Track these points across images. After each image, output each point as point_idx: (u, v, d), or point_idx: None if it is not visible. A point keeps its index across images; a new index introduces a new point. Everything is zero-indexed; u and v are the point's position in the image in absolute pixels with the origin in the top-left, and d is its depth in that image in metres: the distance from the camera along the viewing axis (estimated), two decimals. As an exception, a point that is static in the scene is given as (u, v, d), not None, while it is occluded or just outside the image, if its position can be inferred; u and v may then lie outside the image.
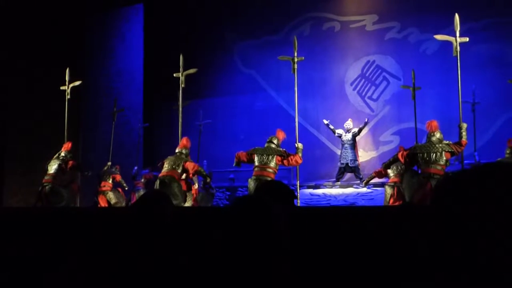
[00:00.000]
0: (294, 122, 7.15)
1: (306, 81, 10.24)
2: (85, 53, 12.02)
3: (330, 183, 9.81)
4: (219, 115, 11.71)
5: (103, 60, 12.31)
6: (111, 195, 8.46)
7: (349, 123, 9.75)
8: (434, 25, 9.59)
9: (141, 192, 9.05)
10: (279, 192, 2.31)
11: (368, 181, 7.85)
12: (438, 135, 6.12)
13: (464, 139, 6.05)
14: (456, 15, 6.48)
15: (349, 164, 9.48)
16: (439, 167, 5.84)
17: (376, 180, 7.85)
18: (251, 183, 6.50)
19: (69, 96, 8.67)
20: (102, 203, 8.38)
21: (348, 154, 9.52)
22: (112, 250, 2.05)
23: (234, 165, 7.00)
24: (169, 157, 7.11)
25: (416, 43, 10.73)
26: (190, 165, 6.96)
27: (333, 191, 9.45)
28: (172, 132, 10.27)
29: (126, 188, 9.15)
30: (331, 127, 9.79)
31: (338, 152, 10.01)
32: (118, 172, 9.01)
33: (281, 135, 7.00)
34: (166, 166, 6.93)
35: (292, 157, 6.67)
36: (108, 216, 3.45)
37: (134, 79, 12.28)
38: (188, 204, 7.09)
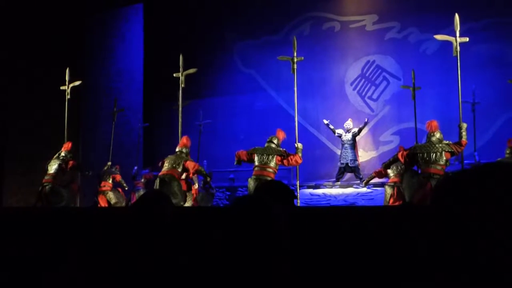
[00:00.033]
0: (294, 122, 7.15)
1: (306, 81, 10.25)
2: (85, 53, 12.02)
3: (330, 183, 9.81)
4: (219, 115, 11.71)
5: (103, 60, 12.30)
6: (111, 195, 8.47)
7: (349, 123, 9.75)
8: (434, 25, 9.59)
9: (141, 192, 9.05)
10: (279, 192, 2.31)
11: (368, 181, 7.85)
12: (438, 135, 6.12)
13: (464, 139, 6.05)
14: (456, 15, 6.48)
15: (349, 164, 9.48)
16: (439, 167, 5.84)
17: (376, 180, 7.85)
18: (251, 183, 6.52)
19: (69, 96, 8.67)
20: (102, 203, 8.38)
21: (348, 154, 9.52)
22: (112, 250, 2.05)
23: (235, 163, 7.01)
24: (169, 156, 7.12)
25: (416, 43, 10.73)
26: (190, 164, 6.96)
27: (333, 191, 9.45)
28: (172, 132, 10.27)
29: (126, 188, 9.15)
30: (331, 127, 9.79)
31: (338, 152, 10.01)
32: (118, 172, 9.02)
33: (281, 135, 7.01)
34: (166, 165, 6.94)
35: (292, 157, 6.68)
36: (108, 216, 3.45)
37: (134, 79, 12.28)
38: (188, 204, 7.09)
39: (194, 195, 7.62)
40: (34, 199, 7.85)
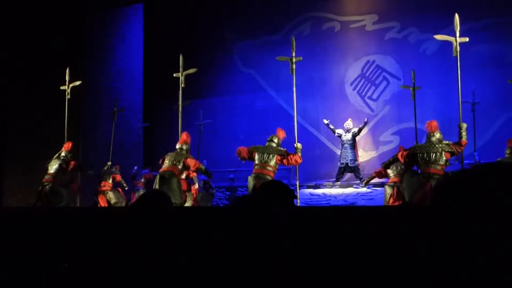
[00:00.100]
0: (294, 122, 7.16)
1: (306, 81, 10.25)
2: (85, 53, 12.01)
3: (330, 183, 9.81)
4: (219, 115, 11.71)
5: (103, 60, 12.30)
6: (111, 195, 8.47)
7: (349, 123, 9.74)
8: (434, 25, 9.58)
9: (141, 192, 9.05)
10: (279, 192, 2.31)
11: (368, 181, 7.86)
12: (438, 135, 6.12)
13: (464, 139, 6.05)
14: (456, 15, 6.48)
15: (349, 164, 9.48)
16: (439, 167, 5.84)
17: (376, 180, 7.85)
18: (251, 181, 6.55)
19: (69, 96, 8.67)
20: (102, 203, 8.38)
21: (348, 154, 9.52)
22: (112, 250, 2.05)
23: (239, 159, 7.02)
24: (169, 153, 7.13)
25: (416, 43, 10.73)
26: (191, 162, 6.96)
27: (333, 191, 9.45)
28: (172, 132, 10.28)
29: (126, 188, 9.15)
30: (331, 127, 9.79)
31: (338, 152, 10.01)
32: (118, 172, 9.02)
33: (281, 134, 7.02)
34: (166, 162, 6.96)
35: (291, 156, 6.69)
36: (108, 216, 3.45)
37: (134, 79, 12.28)
38: (188, 204, 7.10)
39: (194, 195, 7.63)
40: (34, 199, 7.86)
